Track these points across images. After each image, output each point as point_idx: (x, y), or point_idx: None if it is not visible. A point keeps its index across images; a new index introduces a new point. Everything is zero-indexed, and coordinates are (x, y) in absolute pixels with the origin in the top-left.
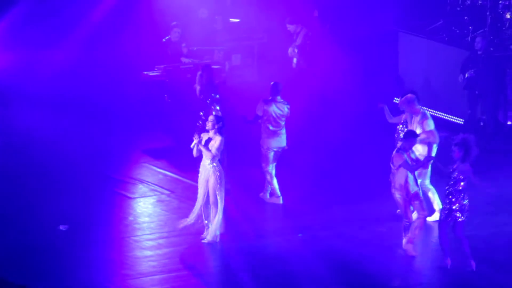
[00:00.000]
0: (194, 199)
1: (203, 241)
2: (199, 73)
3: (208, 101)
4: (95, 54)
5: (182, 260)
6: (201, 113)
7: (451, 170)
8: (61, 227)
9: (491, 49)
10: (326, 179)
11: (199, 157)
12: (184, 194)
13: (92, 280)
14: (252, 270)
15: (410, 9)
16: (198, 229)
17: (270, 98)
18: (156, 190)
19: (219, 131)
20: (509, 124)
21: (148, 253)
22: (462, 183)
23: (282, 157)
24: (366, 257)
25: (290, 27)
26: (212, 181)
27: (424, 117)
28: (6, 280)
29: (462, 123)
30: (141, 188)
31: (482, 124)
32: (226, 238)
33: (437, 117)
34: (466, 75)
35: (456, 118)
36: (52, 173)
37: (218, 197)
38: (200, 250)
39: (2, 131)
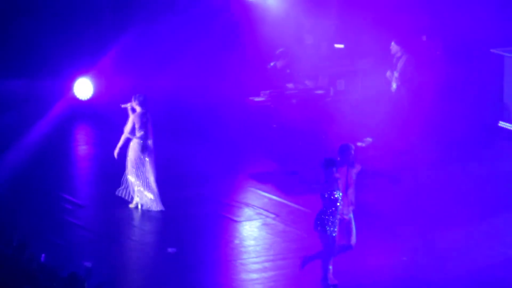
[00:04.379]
0: (299, 222)
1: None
2: None
3: None
4: (200, 80)
5: (288, 283)
6: None
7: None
8: (169, 250)
9: None
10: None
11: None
12: (289, 218)
13: None
14: None
15: None
16: (304, 252)
17: None
18: (262, 214)
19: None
20: None
21: (254, 276)
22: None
23: None
24: None
25: (394, 48)
26: (129, 153)
27: None
28: None
29: None
30: (247, 212)
31: None
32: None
33: None
34: None
35: None
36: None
37: (132, 168)
38: (306, 273)
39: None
